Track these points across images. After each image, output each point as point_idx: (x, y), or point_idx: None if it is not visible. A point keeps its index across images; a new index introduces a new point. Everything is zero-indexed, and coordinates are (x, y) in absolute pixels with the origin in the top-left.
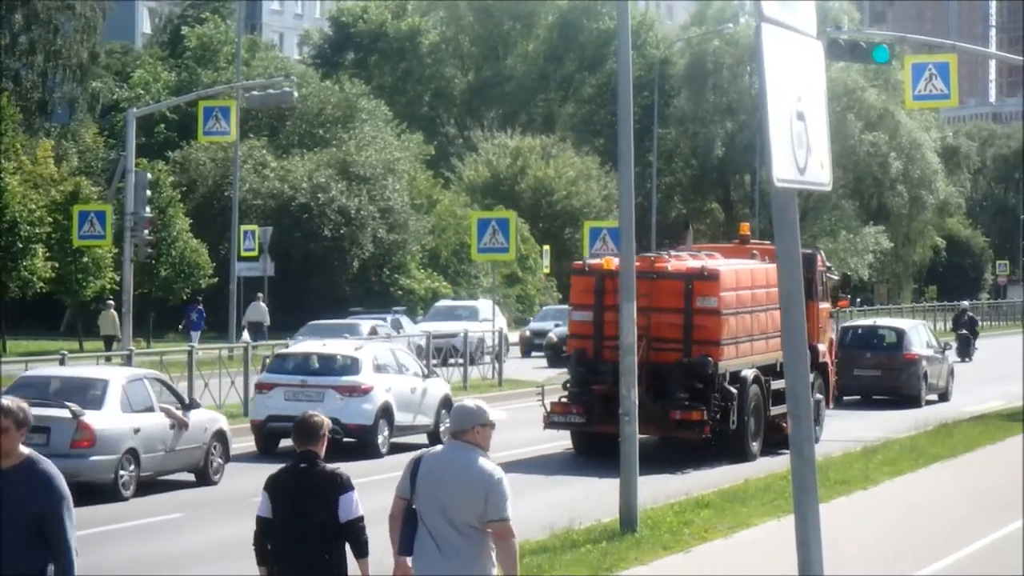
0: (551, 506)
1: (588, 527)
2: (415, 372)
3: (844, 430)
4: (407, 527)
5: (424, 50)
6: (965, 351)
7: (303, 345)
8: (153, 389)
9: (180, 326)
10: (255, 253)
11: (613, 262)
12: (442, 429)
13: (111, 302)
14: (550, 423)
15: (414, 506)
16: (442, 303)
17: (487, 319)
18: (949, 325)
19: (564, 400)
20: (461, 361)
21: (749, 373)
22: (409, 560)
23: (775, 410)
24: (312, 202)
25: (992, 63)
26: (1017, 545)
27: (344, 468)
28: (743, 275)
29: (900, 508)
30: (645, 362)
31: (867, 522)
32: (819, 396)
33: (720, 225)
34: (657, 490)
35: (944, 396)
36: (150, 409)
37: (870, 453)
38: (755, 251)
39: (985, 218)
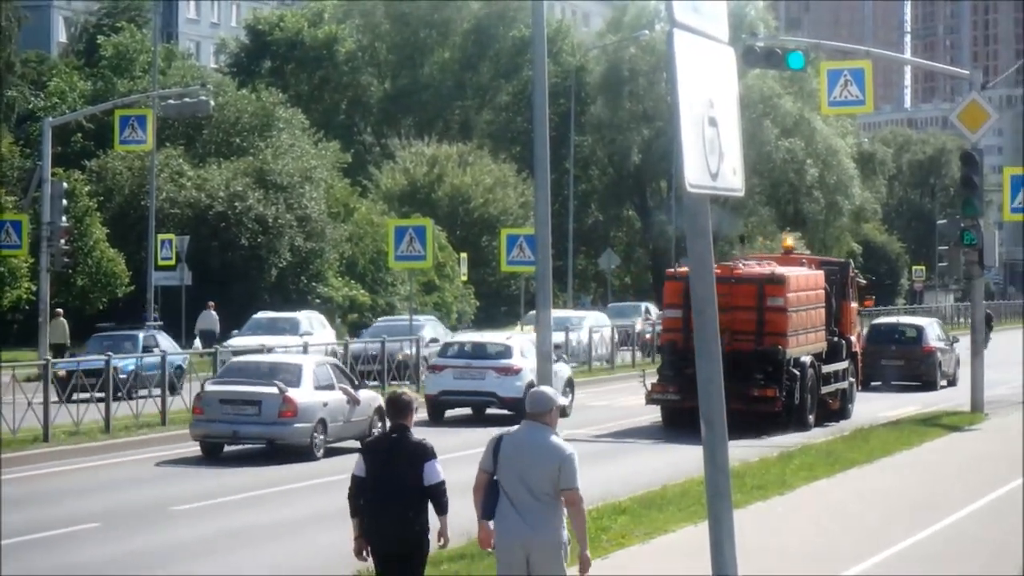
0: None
1: None
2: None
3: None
4: (490, 496)
5: (340, 58)
6: (983, 340)
7: (465, 335)
8: (333, 372)
9: None
10: (172, 262)
11: None
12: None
13: (60, 311)
14: (651, 400)
15: (496, 478)
16: (262, 315)
17: (307, 332)
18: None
19: (662, 381)
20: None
21: (807, 359)
22: (490, 524)
23: (824, 389)
24: (229, 211)
25: (907, 69)
26: (932, 549)
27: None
28: (800, 279)
29: (817, 513)
30: (727, 350)
31: (784, 527)
32: (851, 379)
33: (637, 232)
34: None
35: (952, 382)
36: (332, 388)
37: (787, 459)
38: (804, 260)
39: (901, 223)
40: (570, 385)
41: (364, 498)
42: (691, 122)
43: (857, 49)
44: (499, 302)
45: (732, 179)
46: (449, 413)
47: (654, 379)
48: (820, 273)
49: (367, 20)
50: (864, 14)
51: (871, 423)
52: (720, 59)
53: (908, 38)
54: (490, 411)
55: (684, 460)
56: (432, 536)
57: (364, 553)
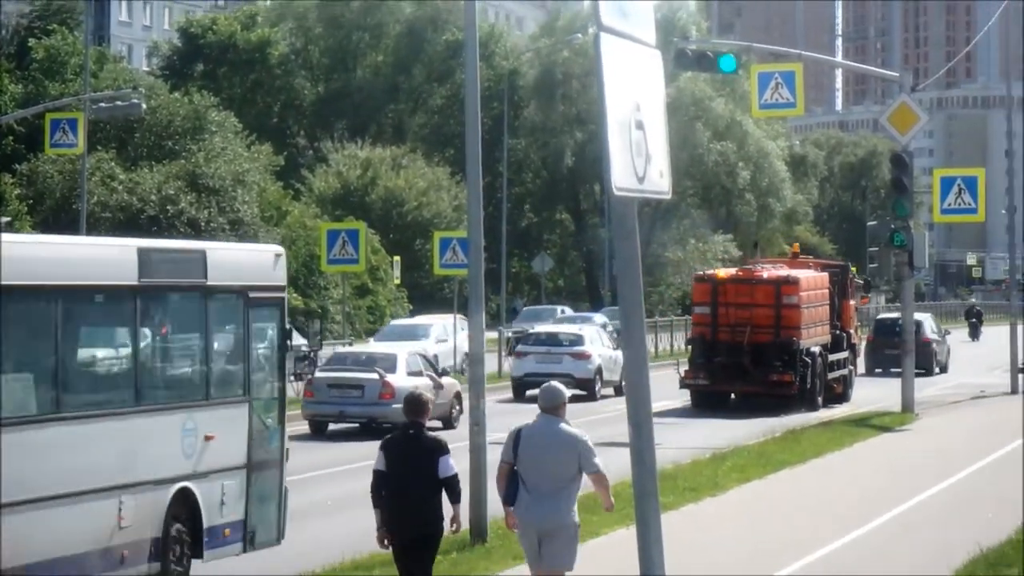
0: None
1: None
2: (609, 346)
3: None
4: (511, 484)
5: (273, 61)
6: (975, 334)
7: (544, 326)
8: (422, 361)
9: None
10: None
11: (725, 272)
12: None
13: None
14: (684, 384)
15: (516, 467)
16: None
17: None
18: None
19: (692, 369)
20: None
21: (816, 349)
22: (512, 509)
23: (830, 375)
24: (161, 214)
25: (838, 72)
26: (863, 549)
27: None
28: (810, 280)
29: (749, 514)
30: (749, 341)
31: (716, 529)
32: (851, 367)
33: (570, 235)
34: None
35: (944, 368)
36: (420, 374)
37: (719, 460)
38: (810, 263)
39: (832, 225)
40: None
41: (384, 490)
42: (618, 125)
43: (789, 52)
44: (432, 305)
45: (659, 182)
46: (530, 392)
47: (686, 367)
48: (825, 275)
49: (300, 23)
50: (796, 17)
51: (802, 425)
52: (647, 63)
53: (839, 41)
54: None
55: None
56: (446, 522)
57: (385, 542)
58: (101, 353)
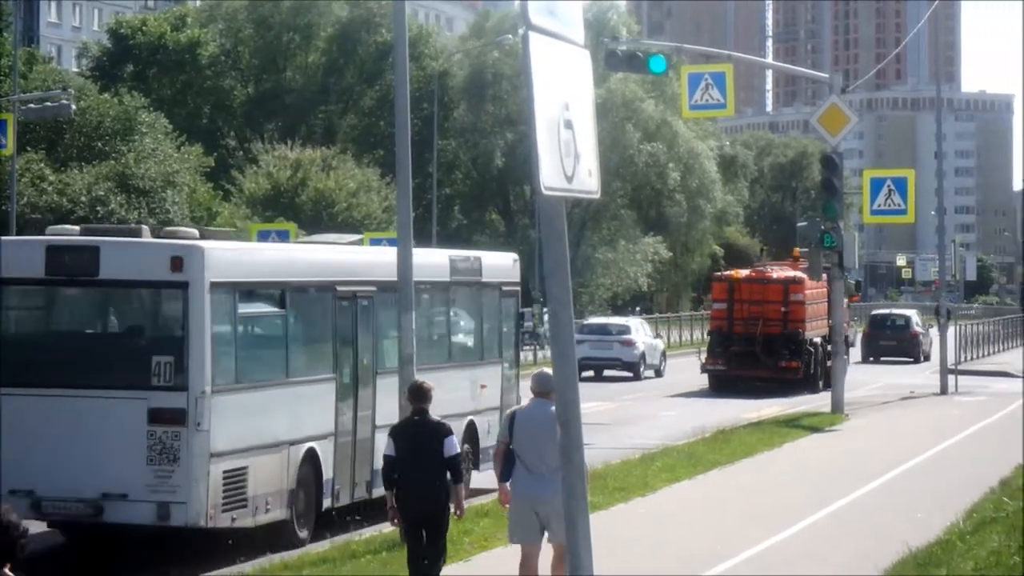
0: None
1: (368, 538)
2: (649, 335)
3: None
4: (507, 462)
5: (204, 62)
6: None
7: (595, 318)
8: None
9: None
10: None
11: (740, 273)
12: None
13: None
14: (704, 370)
15: (512, 447)
16: None
17: None
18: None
19: (711, 356)
20: None
21: (818, 340)
22: (507, 485)
23: (829, 363)
24: (91, 215)
25: (769, 73)
26: (792, 549)
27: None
28: (812, 280)
29: (678, 514)
30: (761, 333)
31: (645, 529)
32: (846, 357)
33: (500, 236)
34: None
35: (927, 357)
36: None
37: (648, 460)
38: None
39: (762, 226)
40: (663, 355)
41: (396, 473)
42: (546, 125)
43: (719, 53)
44: None
45: (588, 181)
46: (585, 374)
47: (706, 355)
48: (824, 275)
49: (229, 24)
50: (726, 18)
51: (732, 425)
52: (575, 62)
53: (770, 42)
54: (606, 373)
55: None
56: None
57: (396, 520)
58: (432, 325)
